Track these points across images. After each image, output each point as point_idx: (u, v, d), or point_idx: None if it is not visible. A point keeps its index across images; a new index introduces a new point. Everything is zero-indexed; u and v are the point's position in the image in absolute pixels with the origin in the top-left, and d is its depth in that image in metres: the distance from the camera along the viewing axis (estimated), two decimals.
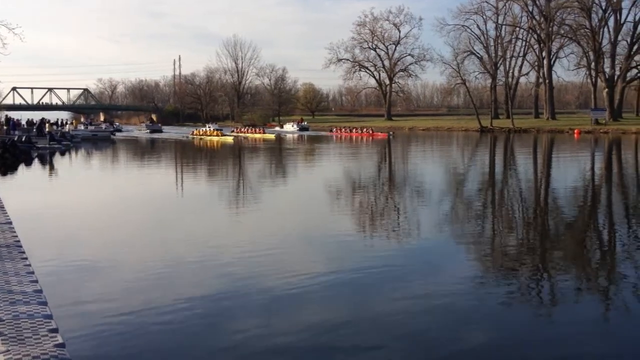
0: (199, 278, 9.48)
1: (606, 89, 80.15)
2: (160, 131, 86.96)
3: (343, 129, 77.88)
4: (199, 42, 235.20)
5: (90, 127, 73.84)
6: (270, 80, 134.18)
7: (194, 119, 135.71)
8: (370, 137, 66.02)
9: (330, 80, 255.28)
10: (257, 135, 72.49)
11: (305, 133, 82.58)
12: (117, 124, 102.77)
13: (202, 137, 67.28)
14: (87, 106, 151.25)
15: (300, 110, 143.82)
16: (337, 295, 8.60)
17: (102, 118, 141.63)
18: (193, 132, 73.36)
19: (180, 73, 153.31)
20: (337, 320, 7.53)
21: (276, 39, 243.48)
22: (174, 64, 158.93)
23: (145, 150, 52.27)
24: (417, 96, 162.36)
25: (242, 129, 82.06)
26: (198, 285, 9.01)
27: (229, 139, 61.78)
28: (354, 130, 74.29)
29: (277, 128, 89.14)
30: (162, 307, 7.94)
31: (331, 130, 79.46)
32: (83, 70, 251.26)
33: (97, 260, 10.52)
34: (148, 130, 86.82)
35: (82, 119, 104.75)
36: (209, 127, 78.16)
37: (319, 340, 6.92)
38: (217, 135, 65.28)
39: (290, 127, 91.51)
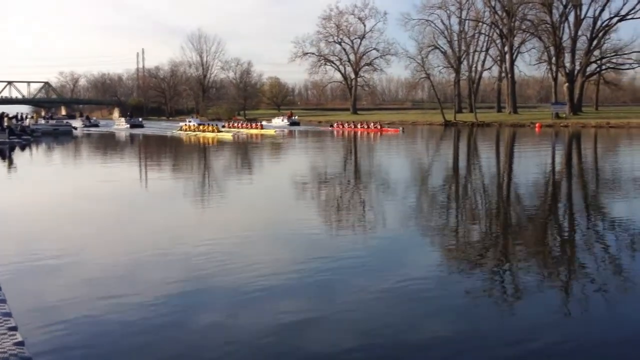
0: (164, 274, 9.35)
1: (566, 84, 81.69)
2: (141, 126, 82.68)
3: (346, 124, 71.48)
4: (163, 35, 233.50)
5: (52, 122, 72.47)
6: (235, 74, 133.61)
7: (158, 112, 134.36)
8: (379, 133, 60.10)
9: (296, 74, 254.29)
10: (255, 131, 66.47)
11: (297, 128, 78.43)
12: (93, 118, 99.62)
13: (193, 132, 61.35)
14: (48, 100, 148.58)
15: (266, 105, 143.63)
16: (302, 289, 8.59)
17: (63, 112, 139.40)
18: (182, 127, 68.17)
19: (143, 66, 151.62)
20: (302, 314, 7.51)
21: (241, 33, 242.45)
22: (138, 57, 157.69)
23: (126, 147, 48.44)
24: (383, 90, 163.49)
25: (236, 124, 75.95)
26: (162, 281, 8.89)
27: (227, 136, 55.37)
28: (358, 125, 69.00)
29: (264, 122, 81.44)
30: (125, 304, 7.83)
31: (332, 126, 73.33)
32: (44, 63, 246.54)
33: (57, 256, 10.33)
34: (128, 125, 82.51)
35: (43, 113, 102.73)
36: (194, 121, 75.30)
37: (285, 335, 6.90)
38: (213, 130, 58.93)
39: (279, 122, 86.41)
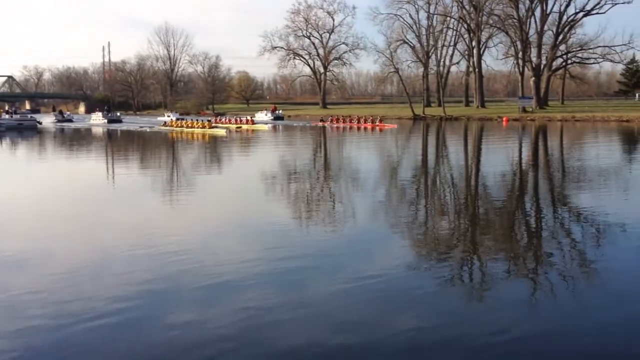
0: (134, 269, 9.27)
1: (533, 78, 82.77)
2: (120, 121, 79.32)
3: (341, 119, 66.77)
4: (129, 28, 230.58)
5: (16, 116, 71.00)
6: (203, 68, 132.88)
7: (125, 107, 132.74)
8: (378, 128, 57.01)
9: (265, 68, 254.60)
10: (245, 126, 62.60)
11: (281, 122, 74.79)
12: (67, 113, 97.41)
13: (179, 128, 57.17)
14: (11, 94, 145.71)
15: (235, 99, 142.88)
16: (272, 284, 8.56)
17: (27, 106, 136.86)
18: (165, 122, 63.90)
19: (110, 60, 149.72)
20: (272, 308, 7.50)
21: (210, 26, 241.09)
22: (104, 51, 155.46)
23: (108, 144, 45.28)
24: (352, 84, 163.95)
25: (224, 119, 70.59)
26: (130, 277, 8.80)
27: (220, 132, 50.44)
28: (354, 120, 64.37)
29: (248, 117, 75.04)
30: (93, 300, 7.76)
31: (322, 120, 68.09)
32: (6, 57, 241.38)
33: (23, 252, 10.16)
34: (105, 120, 78.45)
35: (7, 108, 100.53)
36: (173, 117, 72.89)
37: (255, 330, 6.89)
38: (204, 126, 53.69)
39: (263, 116, 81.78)
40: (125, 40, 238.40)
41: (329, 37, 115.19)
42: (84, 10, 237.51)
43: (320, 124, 66.05)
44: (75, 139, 50.77)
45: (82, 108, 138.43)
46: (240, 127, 62.25)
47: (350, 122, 64.30)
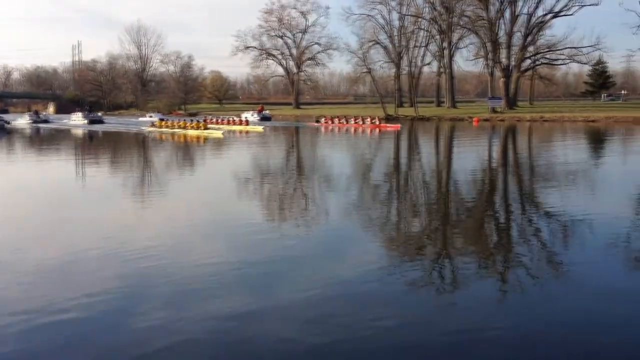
0: (103, 271, 9.29)
1: (502, 79, 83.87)
2: (101, 122, 75.94)
3: (336, 120, 63.74)
4: (100, 28, 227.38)
5: None
6: (175, 67, 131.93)
7: (96, 106, 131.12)
8: (378, 129, 53.92)
9: (237, 68, 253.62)
10: (238, 127, 58.91)
11: (269, 123, 70.79)
12: (43, 112, 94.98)
13: (169, 130, 53.08)
14: None
15: (208, 99, 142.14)
16: (243, 285, 8.62)
17: None
18: (154, 123, 59.44)
19: (80, 59, 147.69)
20: (244, 310, 7.51)
21: (182, 26, 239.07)
22: (74, 50, 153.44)
23: (92, 147, 42.56)
24: (325, 84, 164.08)
25: (216, 120, 64.79)
26: (100, 279, 8.77)
27: (217, 133, 46.70)
28: (351, 120, 61.27)
29: (234, 117, 70.95)
30: (62, 302, 7.74)
31: (318, 121, 65.73)
32: None
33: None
34: (86, 121, 74.97)
35: None
36: (151, 116, 71.54)
37: (226, 331, 6.92)
38: (199, 127, 50.09)
39: (249, 117, 76.80)
40: (96, 40, 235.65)
41: (302, 37, 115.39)
42: (53, 9, 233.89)
43: (316, 124, 64.12)
44: (55, 141, 48.98)
45: (51, 108, 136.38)
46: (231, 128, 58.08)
47: (347, 122, 61.63)
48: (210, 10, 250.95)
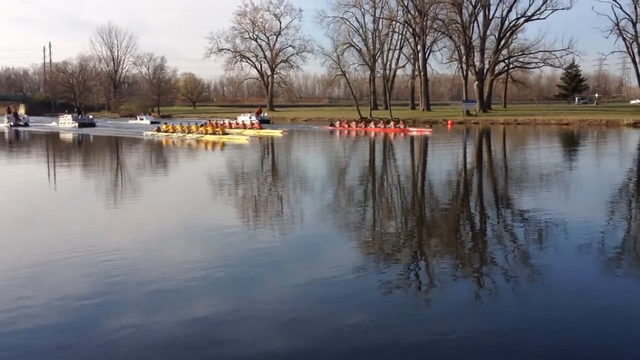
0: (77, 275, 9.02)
1: (476, 82, 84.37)
2: (93, 125, 69.67)
3: (355, 123, 59.42)
4: (71, 29, 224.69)
5: None
6: (148, 69, 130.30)
7: (67, 109, 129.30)
8: (402, 134, 48.62)
9: (211, 70, 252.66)
10: (251, 132, 51.89)
11: (269, 127, 61.09)
12: (23, 115, 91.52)
13: (179, 134, 46.82)
14: None
15: (181, 101, 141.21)
16: (217, 289, 8.45)
17: None
18: (160, 127, 51.91)
19: (50, 61, 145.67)
20: (218, 314, 7.41)
21: (155, 27, 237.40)
22: (44, 51, 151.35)
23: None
24: (299, 87, 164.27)
25: (224, 122, 57.04)
26: (72, 283, 8.57)
27: (242, 139, 41.87)
28: (371, 124, 56.46)
29: (227, 120, 63.17)
30: (34, 307, 7.56)
31: (332, 125, 60.79)
32: None
33: None
34: (76, 124, 69.01)
35: None
36: (143, 119, 68.23)
37: (200, 335, 6.76)
38: (215, 132, 44.68)
39: (247, 119, 68.39)
40: (68, 41, 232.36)
41: (276, 39, 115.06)
42: (23, 10, 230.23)
43: (330, 128, 59.39)
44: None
45: (22, 110, 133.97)
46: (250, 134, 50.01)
47: (366, 126, 57.27)
48: (183, 12, 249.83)
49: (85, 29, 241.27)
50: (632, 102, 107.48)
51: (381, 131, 52.39)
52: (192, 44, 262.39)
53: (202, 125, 48.39)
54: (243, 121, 62.78)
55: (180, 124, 51.71)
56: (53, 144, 45.86)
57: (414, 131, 50.35)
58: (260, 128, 54.25)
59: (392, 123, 53.91)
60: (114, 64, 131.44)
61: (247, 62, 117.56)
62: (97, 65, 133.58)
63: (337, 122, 60.96)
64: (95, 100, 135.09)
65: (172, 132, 48.42)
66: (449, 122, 69.15)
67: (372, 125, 56.54)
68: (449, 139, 45.36)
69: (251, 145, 39.24)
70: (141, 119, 78.47)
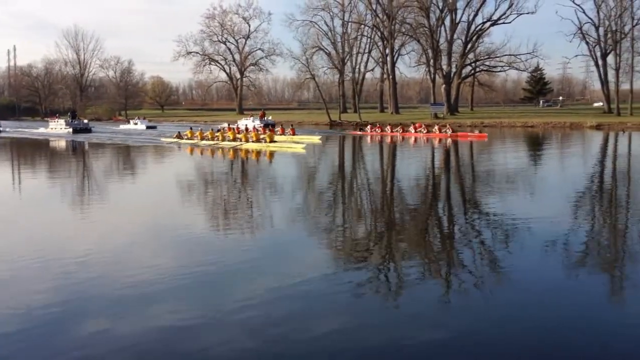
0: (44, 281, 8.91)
1: (444, 85, 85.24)
2: (89, 131, 63.44)
3: (390, 127, 54.33)
4: (36, 32, 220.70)
5: None
6: (115, 72, 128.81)
7: (32, 112, 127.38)
8: (449, 139, 44.44)
9: (180, 74, 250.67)
10: (283, 138, 44.45)
11: (301, 131, 54.41)
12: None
13: (207, 143, 40.77)
14: None
15: (149, 104, 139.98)
16: (188, 293, 8.40)
17: None
18: (180, 133, 45.80)
19: (15, 64, 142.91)
20: (187, 318, 7.37)
21: (121, 30, 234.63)
22: (9, 55, 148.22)
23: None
24: (269, 90, 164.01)
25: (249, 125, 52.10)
26: (38, 290, 8.47)
27: (297, 147, 35.87)
28: (410, 129, 52.20)
29: (225, 125, 56.98)
30: None
31: (362, 129, 57.34)
32: None
33: None
34: (70, 130, 62.65)
35: None
36: (136, 123, 63.98)
37: (169, 340, 6.73)
38: (258, 139, 39.05)
39: (250, 123, 62.91)
40: (33, 44, 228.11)
41: (245, 42, 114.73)
42: None
43: (358, 133, 55.80)
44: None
45: None
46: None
47: (404, 131, 52.46)
48: (151, 15, 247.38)
49: (51, 31, 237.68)
50: (595, 104, 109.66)
51: (423, 136, 48.41)
52: (160, 47, 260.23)
53: (218, 131, 43.30)
54: (246, 125, 56.29)
55: (212, 129, 45.02)
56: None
57: (468, 137, 45.92)
58: (269, 132, 42.65)
59: (436, 127, 50.16)
60: (80, 67, 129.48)
61: (216, 65, 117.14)
62: (63, 68, 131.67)
63: (369, 127, 56.39)
64: (61, 104, 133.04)
65: (201, 140, 42.33)
66: (417, 124, 69.11)
67: (411, 130, 52.05)
68: (418, 141, 45.65)
69: (311, 154, 34.26)
70: (135, 124, 73.56)
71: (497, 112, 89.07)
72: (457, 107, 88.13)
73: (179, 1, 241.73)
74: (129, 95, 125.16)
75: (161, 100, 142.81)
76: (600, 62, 76.83)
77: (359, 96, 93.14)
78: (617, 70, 71.98)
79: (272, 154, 34.14)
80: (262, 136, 40.10)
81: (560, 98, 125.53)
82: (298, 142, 38.70)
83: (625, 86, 74.41)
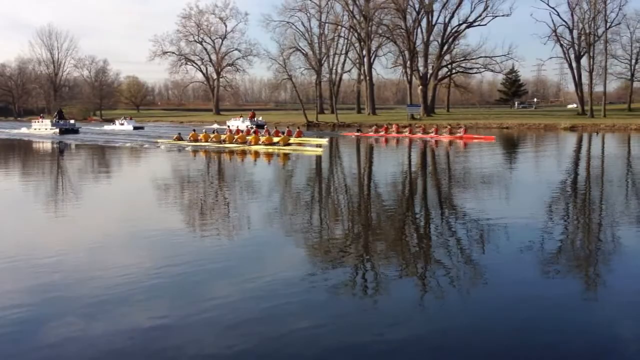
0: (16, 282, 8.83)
1: (420, 86, 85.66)
2: (76, 131, 61.19)
3: (395, 127, 53.13)
4: (9, 31, 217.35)
5: None
6: (90, 72, 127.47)
7: (5, 112, 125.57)
8: (459, 141, 43.28)
9: (155, 74, 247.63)
10: (292, 139, 40.94)
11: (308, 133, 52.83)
12: None
13: (213, 145, 38.19)
14: None
15: (125, 104, 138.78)
16: (163, 295, 8.34)
17: None
18: (180, 135, 42.98)
19: None
20: (163, 319, 7.34)
21: (96, 30, 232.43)
22: None
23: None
24: (246, 91, 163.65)
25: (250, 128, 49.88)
26: (8, 290, 8.43)
27: (314, 151, 34.13)
28: (417, 131, 50.55)
29: (215, 125, 58.66)
30: None
31: (359, 130, 55.62)
32: None
33: None
34: (57, 130, 60.29)
35: None
36: (123, 123, 61.70)
37: (144, 342, 6.69)
38: (270, 142, 37.08)
39: (240, 124, 60.77)
40: (5, 43, 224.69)
41: (222, 43, 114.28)
42: None
43: (350, 134, 54.54)
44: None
45: None
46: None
47: (410, 133, 50.86)
48: (126, 14, 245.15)
49: (24, 30, 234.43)
50: (569, 106, 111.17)
51: (432, 137, 46.46)
52: (135, 47, 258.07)
53: (213, 133, 41.52)
54: (238, 126, 54.52)
55: (215, 131, 43.39)
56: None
57: (475, 138, 45.11)
58: (284, 135, 39.89)
59: (447, 129, 47.98)
60: (54, 66, 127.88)
61: (193, 65, 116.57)
62: (37, 68, 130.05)
63: (373, 128, 54.41)
64: (34, 103, 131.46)
65: (205, 142, 39.56)
66: (393, 125, 69.31)
67: (419, 132, 50.17)
68: (395, 142, 45.81)
69: (329, 156, 33.06)
70: (121, 124, 70.65)
71: (473, 113, 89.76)
72: (433, 109, 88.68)
73: (154, 1, 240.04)
74: (104, 96, 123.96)
75: (137, 101, 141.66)
76: (574, 64, 77.92)
77: (336, 97, 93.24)
78: (590, 72, 73.09)
79: (285, 155, 32.73)
80: (275, 139, 37.78)
81: (535, 100, 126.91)
82: (320, 145, 37.22)
83: (598, 88, 75.69)
